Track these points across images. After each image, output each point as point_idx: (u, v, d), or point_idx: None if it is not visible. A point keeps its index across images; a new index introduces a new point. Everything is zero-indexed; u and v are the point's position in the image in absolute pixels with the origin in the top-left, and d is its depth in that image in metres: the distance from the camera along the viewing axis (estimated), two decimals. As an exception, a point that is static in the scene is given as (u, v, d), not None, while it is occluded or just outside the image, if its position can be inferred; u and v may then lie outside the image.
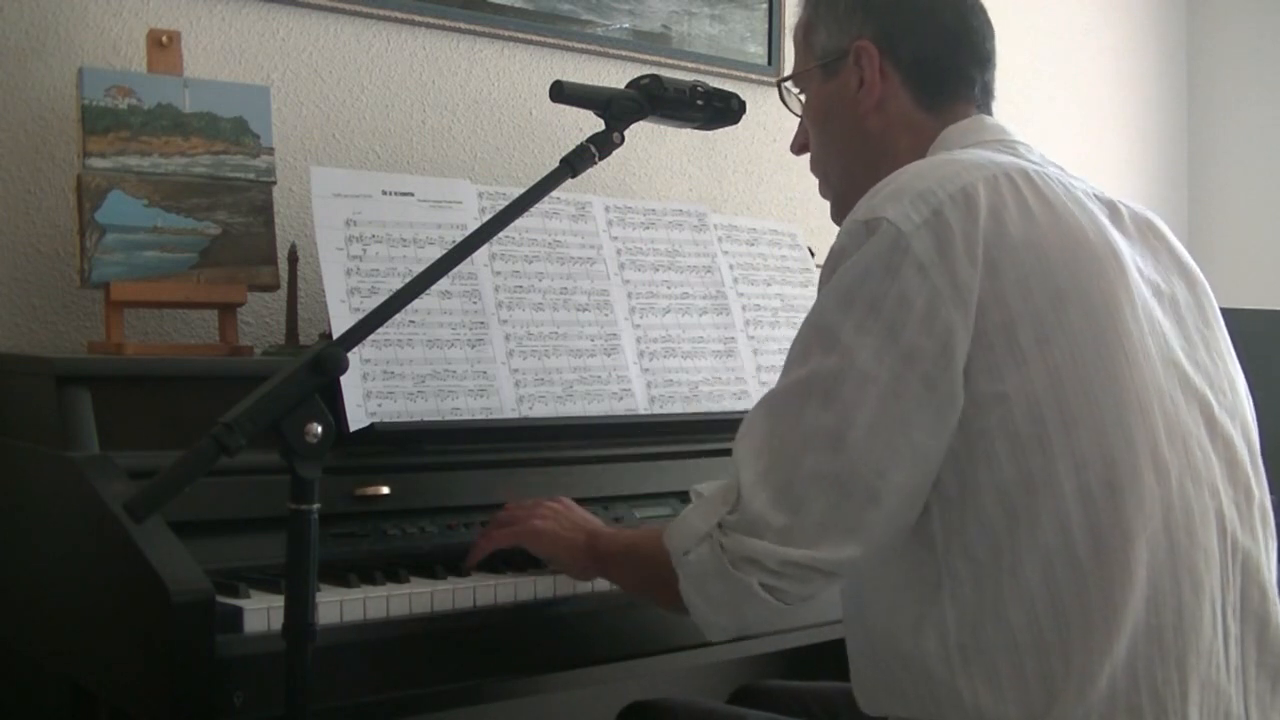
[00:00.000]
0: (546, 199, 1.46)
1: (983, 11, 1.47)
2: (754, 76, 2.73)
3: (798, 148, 1.56)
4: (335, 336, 1.35)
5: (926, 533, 1.24)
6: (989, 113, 1.46)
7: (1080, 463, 1.20)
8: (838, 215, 1.54)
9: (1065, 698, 1.18)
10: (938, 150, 1.40)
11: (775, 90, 1.63)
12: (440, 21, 2.31)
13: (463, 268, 1.49)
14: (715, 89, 1.68)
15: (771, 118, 2.72)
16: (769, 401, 1.28)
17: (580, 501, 1.71)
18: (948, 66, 1.43)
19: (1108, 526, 1.19)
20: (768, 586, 1.22)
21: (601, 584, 1.59)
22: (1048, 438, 1.19)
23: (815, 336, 1.25)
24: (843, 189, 1.51)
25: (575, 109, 1.58)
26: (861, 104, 1.45)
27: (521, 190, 1.43)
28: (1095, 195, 1.36)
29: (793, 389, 1.24)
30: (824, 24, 1.48)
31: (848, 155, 1.49)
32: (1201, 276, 1.42)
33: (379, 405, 1.67)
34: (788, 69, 1.59)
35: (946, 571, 1.23)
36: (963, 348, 1.19)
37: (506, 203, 1.43)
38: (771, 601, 1.23)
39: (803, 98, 1.54)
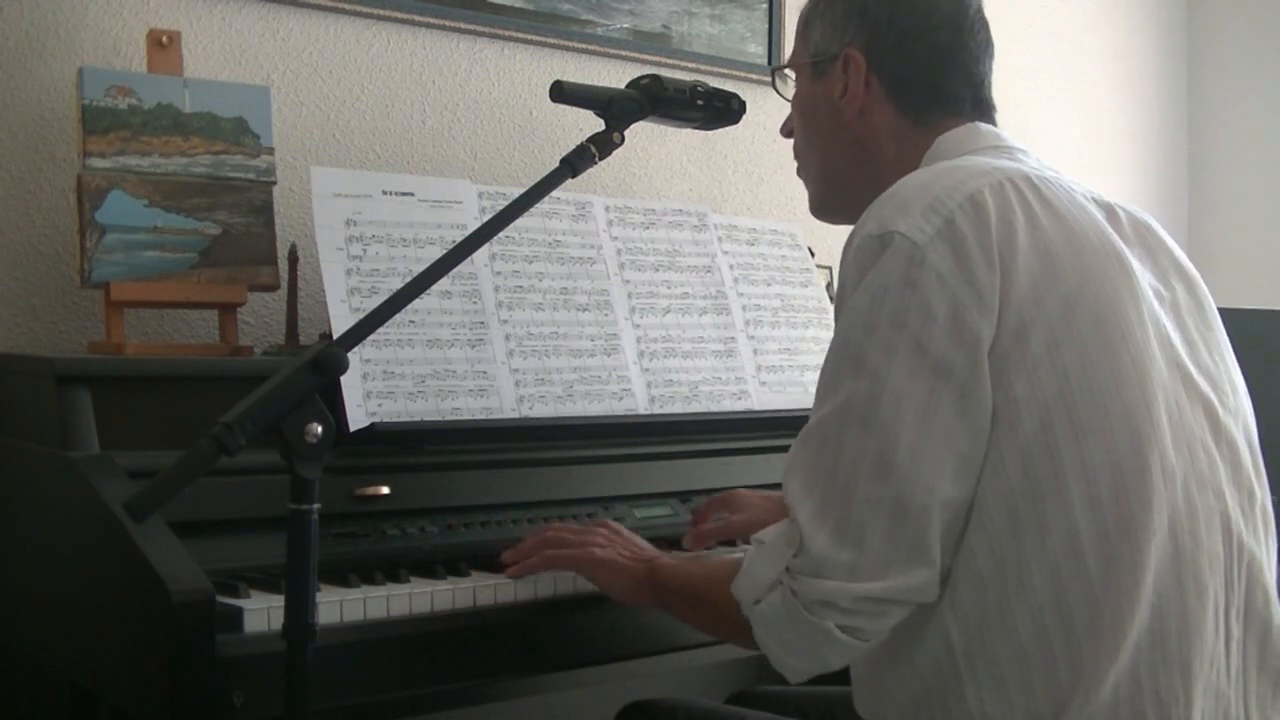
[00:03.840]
0: (546, 199, 1.46)
1: (982, 31, 1.46)
2: (754, 76, 2.73)
3: (786, 131, 1.57)
4: (335, 336, 1.35)
5: None
6: (989, 122, 1.45)
7: (1090, 470, 1.19)
8: (813, 207, 1.56)
9: (1071, 706, 1.18)
10: (934, 159, 1.39)
11: (773, 89, 1.63)
12: (440, 21, 2.31)
13: (463, 268, 1.49)
14: (715, 89, 1.68)
15: (771, 118, 2.71)
16: (808, 435, 1.25)
17: (580, 502, 1.72)
18: (934, 85, 1.43)
19: (1116, 534, 1.19)
20: (845, 628, 1.20)
21: (602, 584, 1.59)
22: (1056, 445, 1.19)
23: (843, 362, 1.23)
24: (819, 185, 1.53)
25: (575, 109, 1.58)
26: (844, 111, 1.45)
27: (521, 190, 1.43)
28: (1093, 199, 1.36)
29: (830, 419, 1.22)
30: (821, 23, 1.49)
31: (827, 155, 1.50)
32: (1199, 277, 1.42)
33: (379, 405, 1.66)
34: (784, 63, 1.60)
35: (947, 579, 1.22)
36: (986, 352, 1.19)
37: (506, 203, 1.43)
38: (850, 641, 1.21)
39: (794, 87, 1.54)
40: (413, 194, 1.82)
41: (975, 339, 1.18)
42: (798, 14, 1.57)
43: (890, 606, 1.20)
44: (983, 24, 1.47)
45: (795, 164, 1.57)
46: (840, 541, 1.19)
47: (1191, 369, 1.31)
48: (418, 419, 1.69)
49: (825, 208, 1.54)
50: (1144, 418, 1.22)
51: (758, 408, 2.03)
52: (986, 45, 1.46)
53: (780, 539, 1.24)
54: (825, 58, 1.47)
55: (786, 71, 1.56)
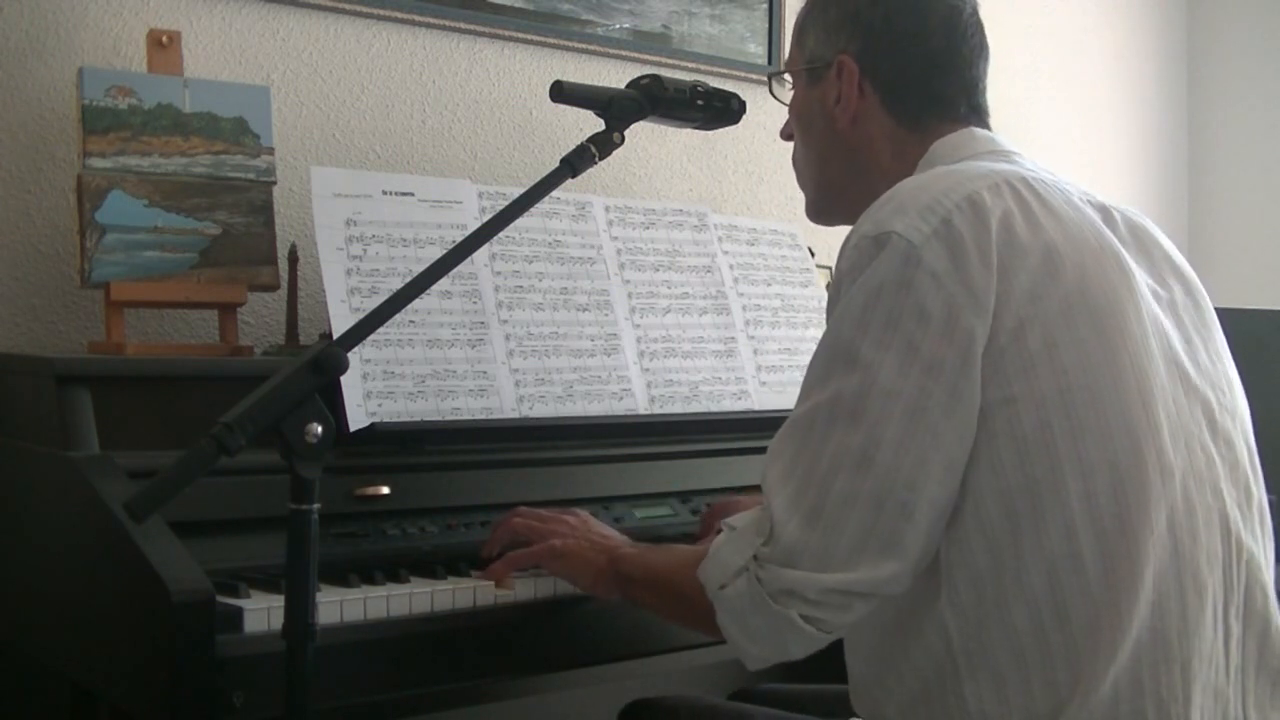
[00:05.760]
0: (546, 199, 1.46)
1: (976, 35, 1.45)
2: (754, 76, 2.73)
3: (786, 135, 1.57)
4: (335, 336, 1.35)
5: None
6: (982, 127, 1.45)
7: (1087, 468, 1.19)
8: (809, 211, 1.56)
9: (1070, 703, 1.18)
10: (929, 164, 1.39)
11: (772, 95, 1.63)
12: (440, 21, 2.31)
13: (463, 268, 1.49)
14: (715, 89, 1.68)
15: (771, 118, 2.71)
16: (793, 426, 1.25)
17: (580, 502, 1.72)
18: (928, 91, 1.42)
19: (1113, 532, 1.19)
20: (808, 618, 1.20)
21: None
22: (1054, 443, 1.19)
23: (834, 357, 1.23)
24: (815, 190, 1.54)
25: (575, 109, 1.58)
26: (838, 119, 1.45)
27: (521, 190, 1.43)
28: (1089, 200, 1.36)
29: (816, 411, 1.22)
30: (815, 29, 1.49)
31: (824, 161, 1.50)
32: (1196, 278, 1.42)
33: (379, 405, 1.67)
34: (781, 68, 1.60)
35: (945, 577, 1.22)
36: (980, 354, 1.19)
37: (506, 203, 1.43)
38: (813, 632, 1.21)
39: (791, 91, 1.54)
40: (413, 194, 1.82)
41: (968, 340, 1.18)
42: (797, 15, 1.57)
43: (855, 599, 1.20)
44: (977, 28, 1.46)
45: (794, 168, 1.57)
46: (811, 531, 1.19)
47: (1189, 368, 1.31)
48: (418, 419, 1.69)
49: (821, 212, 1.55)
50: (1141, 416, 1.22)
51: (758, 408, 2.03)
52: (981, 49, 1.46)
53: (751, 526, 1.24)
54: (819, 64, 1.47)
55: (784, 76, 1.56)
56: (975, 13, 1.46)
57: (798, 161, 1.55)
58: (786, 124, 1.56)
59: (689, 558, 1.33)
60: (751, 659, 1.27)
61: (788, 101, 1.55)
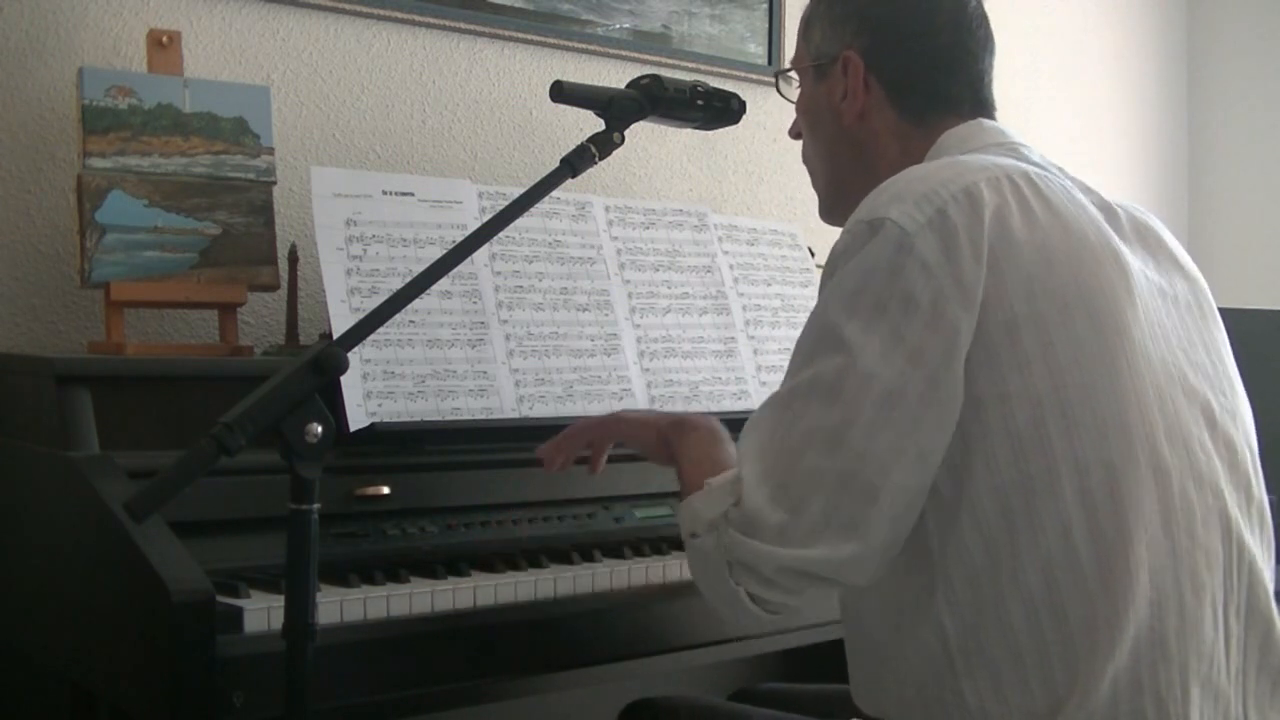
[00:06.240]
0: (546, 199, 1.46)
1: (982, 28, 1.45)
2: (754, 76, 2.73)
3: (795, 134, 1.57)
4: (335, 336, 1.35)
5: (921, 535, 1.23)
6: (988, 118, 1.45)
7: (1082, 466, 1.19)
8: (822, 210, 1.56)
9: (1069, 702, 1.18)
10: (937, 155, 1.39)
11: (775, 90, 1.63)
12: (440, 21, 2.31)
13: (463, 268, 1.49)
14: (715, 89, 1.68)
15: (771, 118, 2.72)
16: (774, 400, 1.27)
17: (580, 502, 1.72)
18: (935, 87, 1.42)
19: (1109, 530, 1.19)
20: (756, 597, 1.22)
21: (601, 584, 1.59)
22: (1049, 440, 1.19)
23: (820, 337, 1.24)
24: (825, 188, 1.54)
25: (575, 109, 1.58)
26: (844, 114, 1.45)
27: (521, 190, 1.43)
28: (1093, 197, 1.36)
29: (798, 389, 1.24)
30: (821, 25, 1.48)
31: (832, 157, 1.50)
32: (1200, 277, 1.42)
33: (379, 405, 1.67)
34: (787, 65, 1.60)
35: (941, 575, 1.22)
36: (965, 347, 1.19)
37: (506, 203, 1.43)
38: (758, 612, 1.23)
39: (798, 89, 1.54)
40: (413, 194, 1.82)
41: (953, 331, 1.19)
42: (798, 14, 1.57)
43: (808, 581, 1.21)
44: (982, 20, 1.46)
45: (801, 167, 1.57)
46: (777, 503, 1.20)
47: (1188, 368, 1.31)
48: (418, 419, 1.69)
49: (832, 210, 1.54)
50: (1136, 415, 1.22)
51: (758, 408, 2.03)
52: (986, 41, 1.46)
53: (726, 485, 1.25)
54: (825, 59, 1.47)
55: (790, 73, 1.56)
56: (980, 5, 1.46)
57: (808, 159, 1.55)
58: (795, 123, 1.56)
59: (697, 480, 1.31)
60: (710, 603, 1.30)
61: (794, 99, 1.55)
